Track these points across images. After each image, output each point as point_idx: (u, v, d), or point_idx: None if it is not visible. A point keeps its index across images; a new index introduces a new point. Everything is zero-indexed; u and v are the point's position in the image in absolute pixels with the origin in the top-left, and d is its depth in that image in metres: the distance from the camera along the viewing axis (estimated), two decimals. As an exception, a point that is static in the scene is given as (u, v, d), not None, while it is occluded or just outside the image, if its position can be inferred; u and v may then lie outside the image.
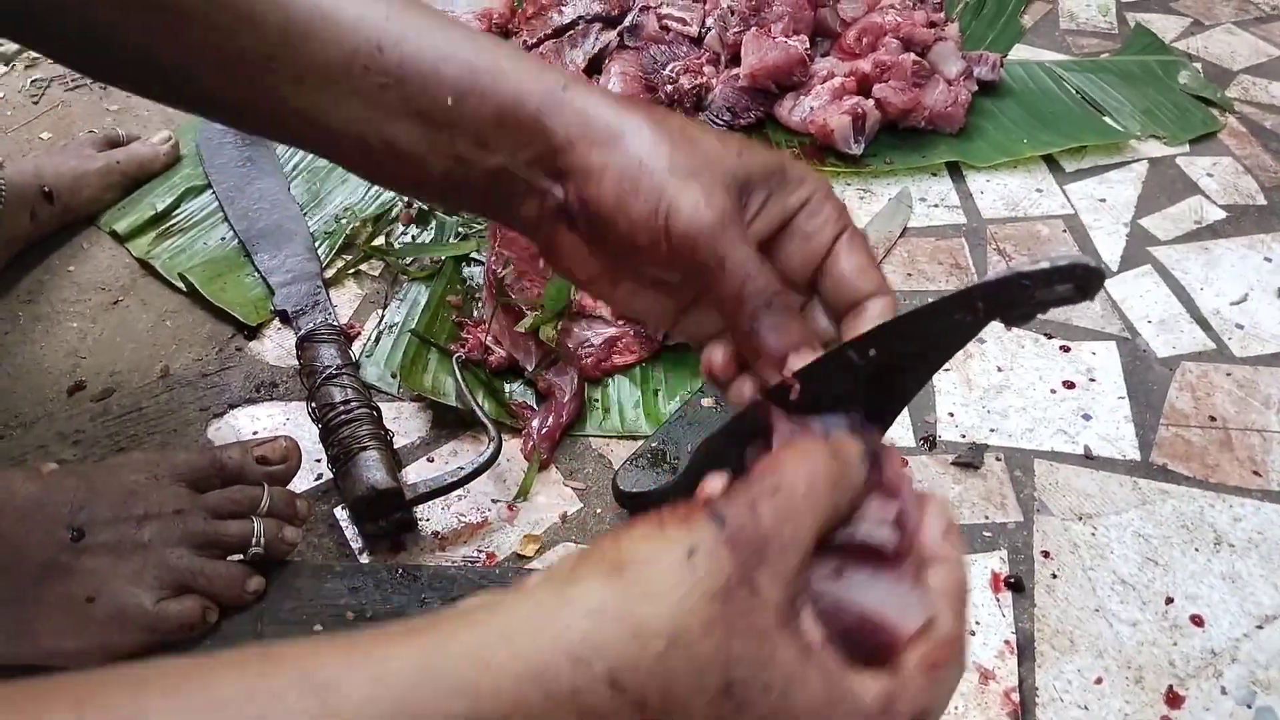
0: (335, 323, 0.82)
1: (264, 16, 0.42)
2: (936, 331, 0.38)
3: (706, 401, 0.77)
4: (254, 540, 0.61)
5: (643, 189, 0.40)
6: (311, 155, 1.01)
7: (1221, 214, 0.97)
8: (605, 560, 0.31)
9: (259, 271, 0.89)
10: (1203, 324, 0.85)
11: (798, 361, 0.39)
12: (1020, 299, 0.35)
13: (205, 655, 0.28)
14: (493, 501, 0.72)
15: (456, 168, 0.44)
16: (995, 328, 0.84)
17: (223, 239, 0.94)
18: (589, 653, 0.28)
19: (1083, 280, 0.34)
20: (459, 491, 0.71)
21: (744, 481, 0.33)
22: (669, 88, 1.05)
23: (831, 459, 0.34)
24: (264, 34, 0.43)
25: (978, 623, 0.63)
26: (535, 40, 1.14)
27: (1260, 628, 0.63)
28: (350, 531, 0.69)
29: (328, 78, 0.43)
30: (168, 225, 0.96)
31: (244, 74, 0.44)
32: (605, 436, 0.77)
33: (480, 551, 0.69)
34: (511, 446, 0.75)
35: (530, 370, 0.79)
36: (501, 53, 0.43)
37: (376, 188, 0.98)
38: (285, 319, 0.85)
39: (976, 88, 1.07)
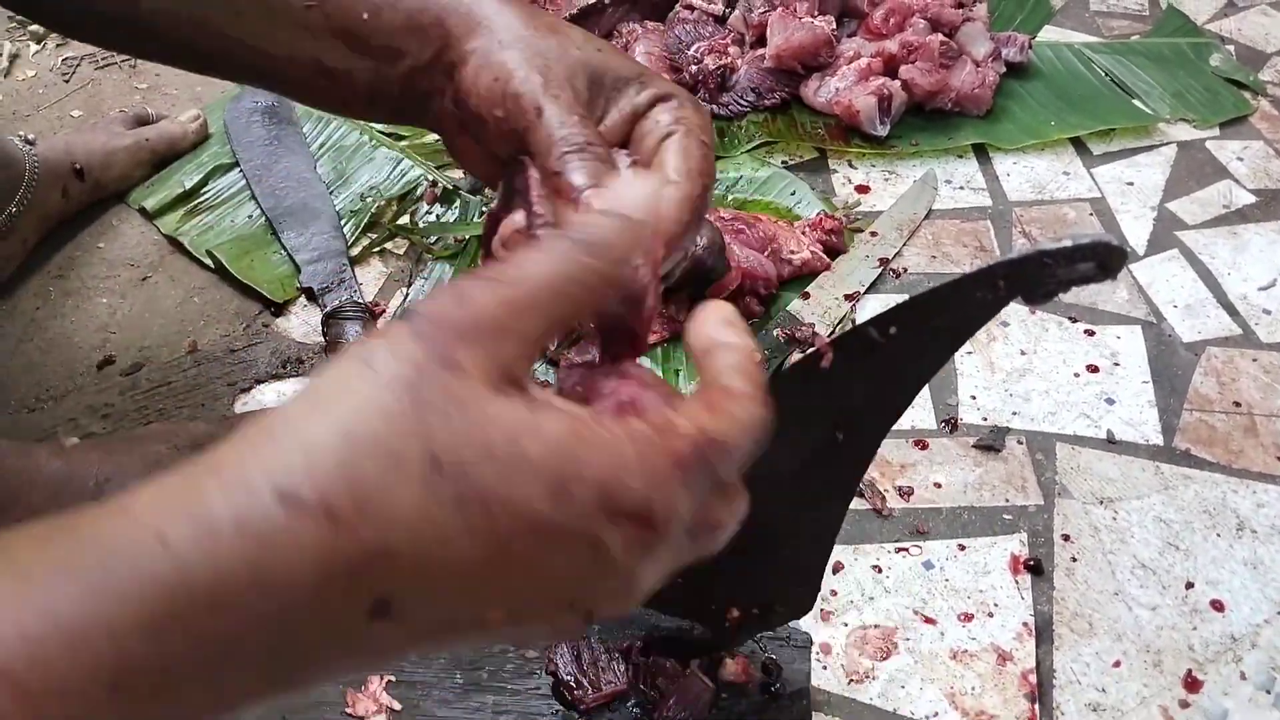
0: (360, 300, 0.82)
1: None
2: (958, 309, 0.38)
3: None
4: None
5: (493, 64, 0.42)
6: (338, 135, 1.02)
7: (1251, 198, 0.96)
8: (286, 399, 0.28)
9: (285, 249, 0.90)
10: (1229, 309, 0.84)
11: (596, 200, 0.38)
12: (1042, 277, 0.35)
13: None
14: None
15: (375, 79, 0.47)
16: (1019, 311, 0.84)
17: (250, 217, 0.95)
18: (251, 474, 0.25)
19: (1105, 259, 0.34)
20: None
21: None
22: (694, 68, 1.05)
23: (585, 258, 0.30)
24: None
25: (996, 604, 0.63)
26: (560, 20, 1.14)
27: (1281, 614, 0.63)
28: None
29: (262, 6, 0.46)
30: (196, 203, 0.97)
31: (186, 12, 0.47)
32: (626, 415, 0.77)
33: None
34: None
35: (553, 349, 0.79)
36: None
37: (401, 167, 0.99)
38: (311, 296, 0.86)
39: (1004, 69, 1.07)
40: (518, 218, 0.39)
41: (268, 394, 0.79)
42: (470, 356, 0.28)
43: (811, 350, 0.40)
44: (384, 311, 0.85)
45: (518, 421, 0.27)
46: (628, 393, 0.33)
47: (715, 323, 0.33)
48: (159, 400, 0.79)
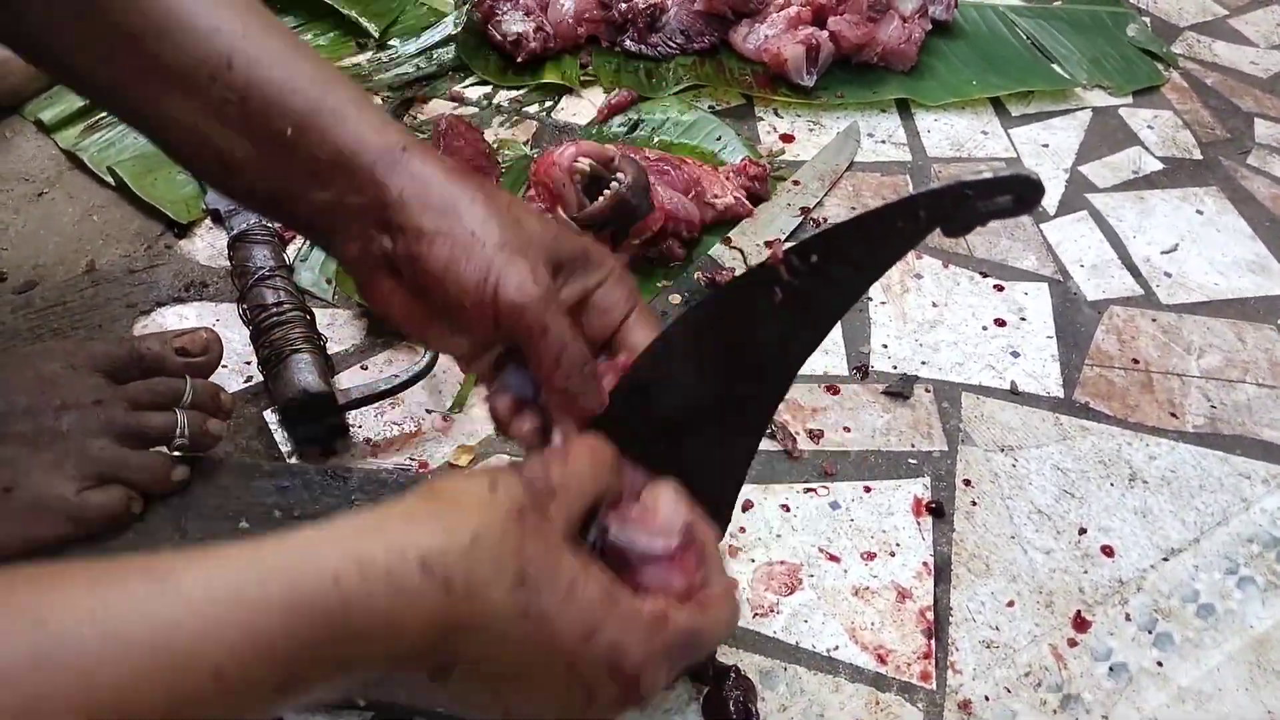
0: (269, 224, 0.80)
1: (135, 4, 0.45)
2: (879, 238, 0.38)
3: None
4: (177, 432, 0.60)
5: (474, 258, 0.44)
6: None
7: (1159, 165, 0.99)
8: (422, 490, 0.37)
9: (192, 169, 0.87)
10: (1133, 271, 0.87)
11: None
12: (961, 208, 0.36)
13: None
14: (427, 412, 0.71)
15: (285, 193, 0.47)
16: (932, 264, 0.85)
17: (154, 134, 0.91)
18: (404, 542, 0.34)
19: (1022, 192, 0.35)
20: (393, 400, 0.71)
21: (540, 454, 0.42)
22: (623, 6, 1.03)
23: (608, 454, 0.44)
24: (128, 22, 0.45)
25: (898, 544, 0.65)
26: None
27: (1166, 560, 0.65)
28: (280, 435, 0.68)
29: (174, 78, 0.45)
30: (97, 117, 0.92)
31: (101, 50, 0.46)
32: (542, 352, 0.77)
33: (413, 460, 0.68)
34: (448, 359, 0.74)
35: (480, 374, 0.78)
36: (348, 96, 0.46)
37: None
38: (217, 218, 0.83)
39: (930, 27, 1.07)
40: (527, 421, 0.49)
41: (169, 316, 0.76)
42: (555, 510, 0.38)
43: (763, 264, 0.41)
44: (293, 237, 0.82)
45: (576, 569, 0.37)
46: (651, 578, 0.43)
47: (676, 504, 0.45)
48: (54, 320, 0.75)
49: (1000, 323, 0.81)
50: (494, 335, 0.46)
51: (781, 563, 0.63)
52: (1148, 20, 1.19)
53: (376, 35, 1.09)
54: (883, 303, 0.82)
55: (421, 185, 0.45)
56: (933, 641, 0.60)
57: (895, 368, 0.77)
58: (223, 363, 0.68)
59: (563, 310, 0.46)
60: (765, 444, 0.70)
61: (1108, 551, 0.66)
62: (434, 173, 0.45)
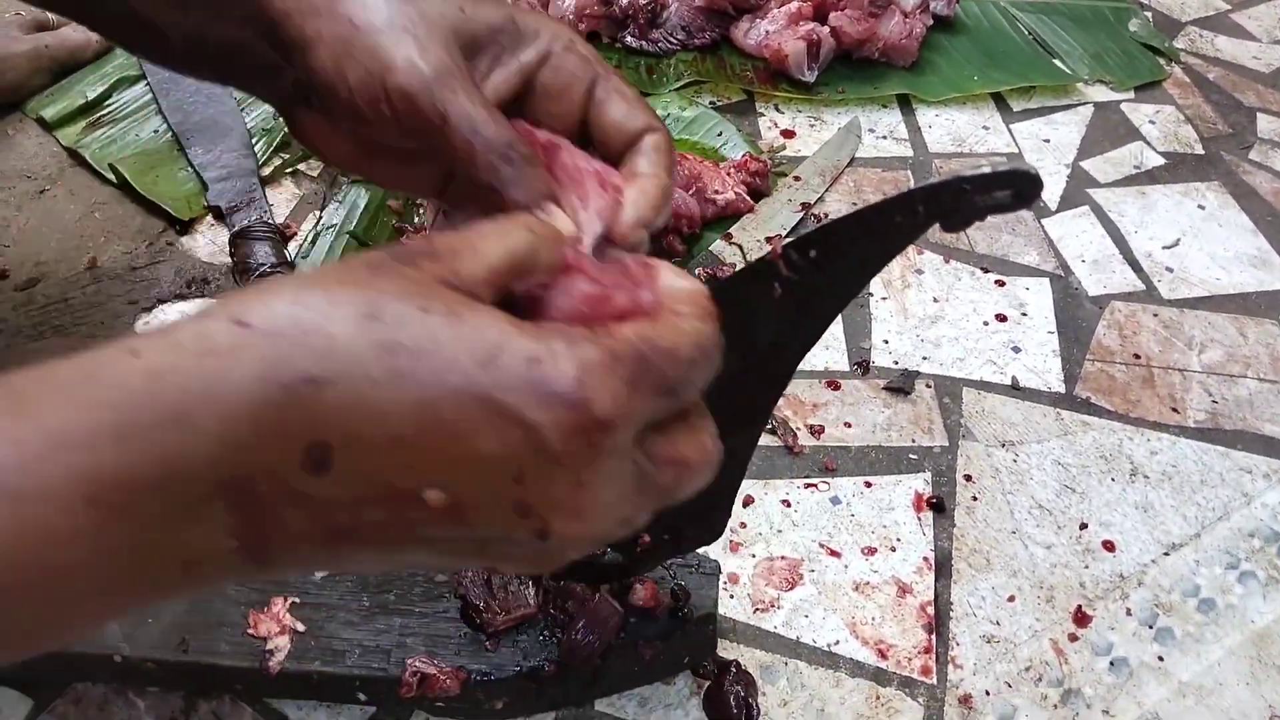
0: (271, 220, 0.80)
1: None
2: (877, 233, 0.38)
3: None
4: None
5: (357, 51, 0.37)
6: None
7: (1160, 160, 0.98)
8: None
9: (193, 166, 0.87)
10: (1134, 266, 0.87)
11: (556, 216, 0.37)
12: (960, 203, 0.35)
13: None
14: (427, 407, 0.71)
15: (194, 38, 0.43)
16: (933, 260, 0.85)
17: (156, 131, 0.91)
18: (215, 308, 0.28)
19: (1021, 187, 0.34)
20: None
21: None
22: (624, 2, 1.03)
23: (528, 220, 0.34)
24: None
25: (899, 539, 0.65)
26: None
27: (1167, 554, 0.65)
28: (281, 431, 0.69)
29: None
30: (99, 115, 0.92)
31: None
32: (544, 348, 0.77)
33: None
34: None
35: (418, 221, 0.78)
36: None
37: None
38: (219, 215, 0.83)
39: (932, 22, 1.07)
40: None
41: (171, 313, 0.76)
42: (428, 265, 0.29)
43: (760, 259, 0.40)
44: (295, 233, 0.83)
45: (457, 300, 0.29)
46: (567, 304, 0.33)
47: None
48: (55, 317, 0.76)
49: (1001, 318, 0.81)
50: (407, 142, 0.39)
51: (782, 558, 0.63)
52: (1149, 15, 1.19)
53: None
54: (884, 298, 0.82)
55: None
56: (933, 636, 0.60)
57: (896, 363, 0.77)
58: (224, 359, 0.68)
59: (472, 91, 0.37)
60: (766, 439, 0.70)
61: (1109, 546, 0.66)
62: None
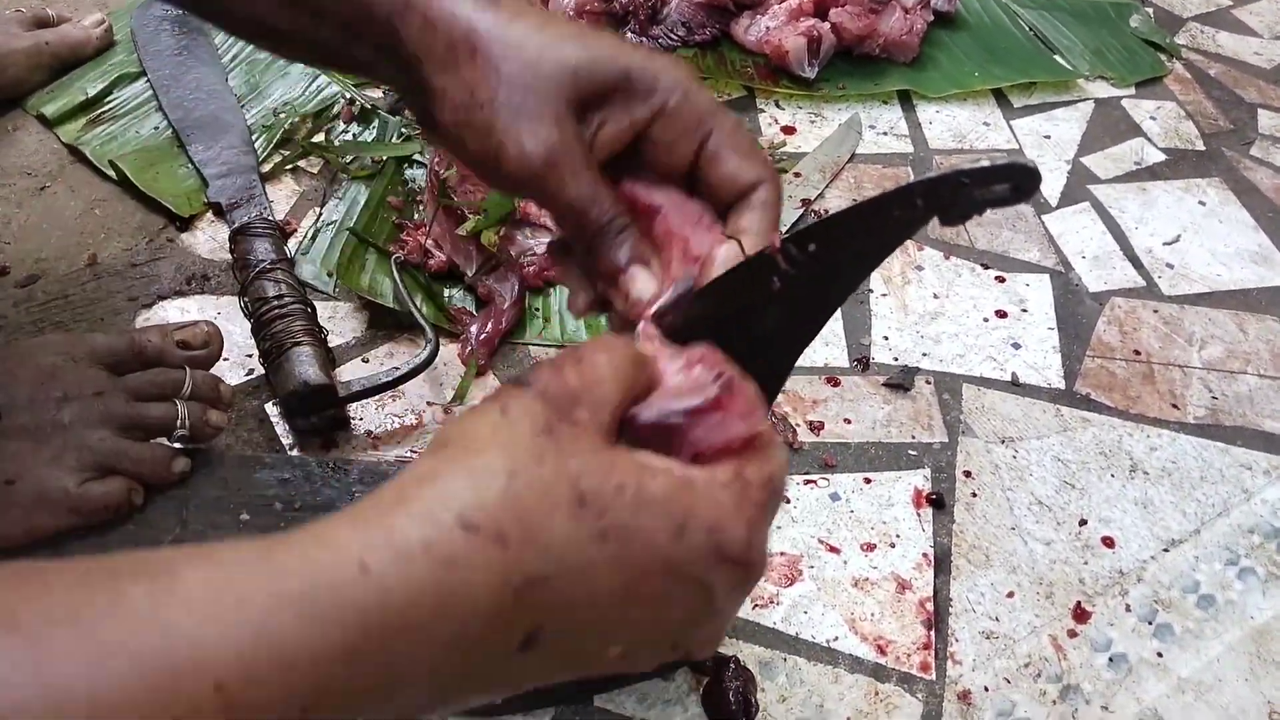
0: (271, 217, 0.80)
1: None
2: (876, 227, 0.38)
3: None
4: (178, 423, 0.60)
5: (475, 123, 0.39)
6: (251, 47, 0.98)
7: (1161, 156, 0.98)
8: (431, 446, 0.32)
9: (193, 163, 0.87)
10: (1135, 262, 0.87)
11: (638, 279, 0.41)
12: (958, 197, 0.35)
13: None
14: (428, 404, 0.71)
15: (330, 53, 0.44)
16: (933, 256, 0.85)
17: (156, 128, 0.91)
18: (432, 506, 0.28)
19: (1019, 180, 0.34)
20: (394, 393, 0.71)
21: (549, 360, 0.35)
22: (624, -1, 1.03)
23: (628, 348, 0.36)
24: None
25: (898, 536, 0.65)
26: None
27: (1166, 551, 0.65)
28: (281, 427, 0.69)
29: None
30: (99, 111, 0.93)
31: None
32: (544, 345, 0.77)
33: (413, 452, 0.68)
34: (449, 351, 0.74)
35: (471, 275, 0.78)
36: None
37: (317, 84, 0.96)
38: (219, 212, 0.83)
39: (932, 18, 1.07)
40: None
41: (170, 310, 0.76)
42: (582, 415, 0.32)
43: (760, 252, 0.40)
44: (295, 229, 0.83)
45: (634, 466, 0.31)
46: (704, 437, 0.35)
47: (704, 356, 0.38)
48: (56, 313, 0.76)
49: (1001, 314, 0.81)
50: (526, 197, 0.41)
51: (781, 554, 0.63)
52: (1150, 11, 1.19)
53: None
54: (884, 294, 0.82)
55: (430, 33, 0.39)
56: (932, 632, 0.60)
57: (896, 359, 0.77)
58: (224, 356, 0.68)
59: (582, 165, 0.39)
60: (766, 436, 0.70)
61: (1108, 542, 0.66)
62: (447, 13, 0.39)
